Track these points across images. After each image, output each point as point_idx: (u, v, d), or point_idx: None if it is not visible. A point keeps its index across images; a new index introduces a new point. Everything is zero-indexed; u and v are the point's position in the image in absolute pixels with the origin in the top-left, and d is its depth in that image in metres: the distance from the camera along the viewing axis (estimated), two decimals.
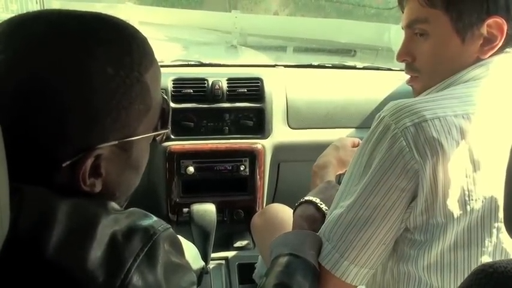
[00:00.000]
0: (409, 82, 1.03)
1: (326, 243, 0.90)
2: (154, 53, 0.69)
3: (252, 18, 8.37)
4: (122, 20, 0.67)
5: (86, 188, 0.63)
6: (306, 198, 1.07)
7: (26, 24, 0.63)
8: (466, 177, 0.85)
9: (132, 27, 0.67)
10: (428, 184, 0.82)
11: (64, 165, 0.60)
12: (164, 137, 0.77)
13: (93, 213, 0.60)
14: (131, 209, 0.65)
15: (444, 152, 0.82)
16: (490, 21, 0.89)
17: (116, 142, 0.64)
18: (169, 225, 0.65)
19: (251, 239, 1.98)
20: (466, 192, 0.85)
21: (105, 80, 0.61)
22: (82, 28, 0.63)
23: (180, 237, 1.47)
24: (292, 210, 1.24)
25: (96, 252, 0.56)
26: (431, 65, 0.95)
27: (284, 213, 1.42)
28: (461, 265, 0.87)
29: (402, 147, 0.82)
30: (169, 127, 0.76)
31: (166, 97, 0.74)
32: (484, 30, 0.89)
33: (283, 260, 0.89)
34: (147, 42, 0.68)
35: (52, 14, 0.65)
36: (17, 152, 0.57)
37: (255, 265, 1.55)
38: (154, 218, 0.64)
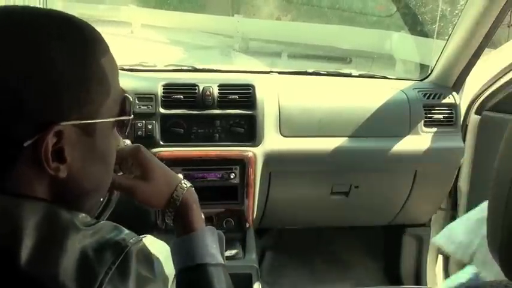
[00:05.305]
0: None
1: None
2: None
3: (254, 23, 8.38)
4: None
5: (51, 171, 0.62)
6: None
7: None
8: None
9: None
10: None
11: (26, 144, 0.59)
12: (127, 128, 0.77)
13: (62, 227, 0.60)
14: (101, 222, 0.65)
15: None
16: None
17: (77, 122, 0.63)
18: (141, 238, 0.65)
19: (241, 249, 1.94)
20: None
21: (60, 54, 0.62)
22: (34, 15, 0.65)
23: (154, 238, 1.42)
24: None
25: (67, 266, 0.56)
26: None
27: None
28: None
29: None
30: (132, 115, 0.76)
31: (126, 91, 0.75)
32: None
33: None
34: (100, 34, 0.70)
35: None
36: None
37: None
38: (126, 231, 0.65)
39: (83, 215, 0.65)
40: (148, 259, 0.66)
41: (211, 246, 0.88)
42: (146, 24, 8.53)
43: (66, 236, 0.58)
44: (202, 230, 0.89)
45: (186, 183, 0.92)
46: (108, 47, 0.70)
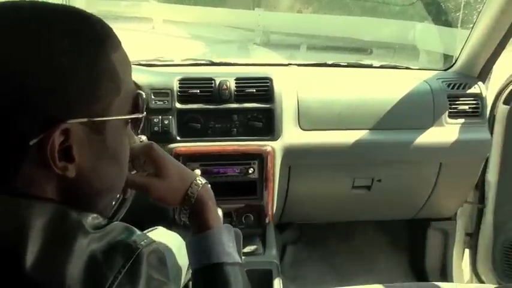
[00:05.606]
0: None
1: None
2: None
3: (275, 16, 8.32)
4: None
5: (58, 170, 0.59)
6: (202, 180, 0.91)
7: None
8: None
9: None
10: None
11: (31, 143, 0.57)
12: (140, 125, 0.74)
13: (71, 228, 0.58)
14: (112, 224, 0.63)
15: None
16: None
17: (86, 120, 0.61)
18: (153, 240, 0.63)
19: (261, 244, 1.92)
20: None
21: (71, 51, 0.60)
22: (45, 10, 0.63)
23: (166, 230, 1.40)
24: None
25: (75, 269, 0.55)
26: None
27: None
28: None
29: None
30: (144, 113, 0.73)
31: (140, 85, 0.72)
32: None
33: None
34: (112, 29, 0.67)
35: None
36: None
37: None
38: (137, 232, 0.63)
39: (94, 215, 0.63)
40: (161, 261, 0.64)
41: (228, 244, 0.85)
42: (167, 20, 8.54)
43: (75, 238, 0.57)
44: (219, 228, 0.87)
45: (201, 180, 0.89)
46: (120, 42, 0.67)
